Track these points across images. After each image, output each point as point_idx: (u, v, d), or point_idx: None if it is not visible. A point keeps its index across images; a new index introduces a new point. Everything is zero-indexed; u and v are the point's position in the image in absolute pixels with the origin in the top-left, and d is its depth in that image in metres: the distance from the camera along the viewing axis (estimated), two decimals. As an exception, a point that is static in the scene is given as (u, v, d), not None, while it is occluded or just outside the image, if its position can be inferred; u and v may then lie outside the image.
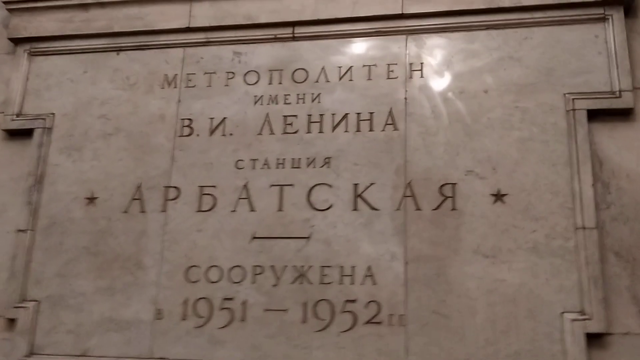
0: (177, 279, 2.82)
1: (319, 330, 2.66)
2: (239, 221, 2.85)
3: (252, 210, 2.86)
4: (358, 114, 2.90)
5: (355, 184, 2.81)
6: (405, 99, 2.88)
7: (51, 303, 2.88)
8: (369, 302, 2.65)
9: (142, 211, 2.94)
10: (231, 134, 2.98)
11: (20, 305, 2.89)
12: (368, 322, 2.63)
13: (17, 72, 3.26)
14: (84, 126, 3.13)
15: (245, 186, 2.90)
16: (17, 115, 3.19)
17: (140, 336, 2.77)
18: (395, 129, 2.85)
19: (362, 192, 2.79)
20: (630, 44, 2.80)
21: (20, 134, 3.18)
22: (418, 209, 2.73)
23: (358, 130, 2.88)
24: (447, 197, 2.72)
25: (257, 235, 2.82)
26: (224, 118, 3.01)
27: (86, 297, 2.86)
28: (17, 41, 3.32)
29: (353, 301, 2.66)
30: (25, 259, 2.95)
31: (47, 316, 2.87)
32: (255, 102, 3.01)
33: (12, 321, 2.89)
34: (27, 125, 3.17)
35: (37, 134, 3.14)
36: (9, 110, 3.20)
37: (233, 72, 3.08)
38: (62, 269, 2.92)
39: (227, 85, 3.07)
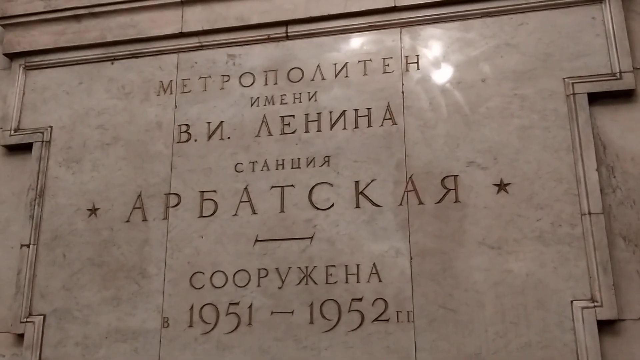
0: (182, 286, 2.80)
1: (327, 331, 2.63)
2: (241, 225, 2.83)
3: (254, 213, 2.84)
4: (355, 110, 2.87)
5: (356, 181, 2.78)
6: (403, 92, 2.85)
7: (58, 316, 2.88)
8: (376, 299, 2.62)
9: (144, 220, 2.93)
10: (229, 138, 2.96)
11: (27, 320, 2.88)
12: (375, 320, 2.60)
13: (13, 87, 3.27)
14: (82, 137, 3.12)
15: (245, 189, 2.88)
16: (16, 130, 3.19)
17: (148, 345, 2.76)
18: (394, 123, 2.81)
19: (364, 189, 2.76)
20: (629, 24, 2.74)
21: (20, 149, 3.19)
22: (421, 203, 2.69)
23: (356, 127, 2.85)
24: (449, 190, 2.68)
25: (260, 238, 2.80)
26: (221, 122, 2.99)
27: (92, 308, 2.86)
28: (11, 56, 3.32)
29: (359, 299, 2.63)
30: (30, 274, 2.95)
31: (54, 330, 2.86)
32: (252, 104, 2.99)
33: (20, 336, 2.89)
34: (25, 139, 3.17)
35: (36, 147, 3.13)
36: (7, 125, 3.21)
37: (228, 75, 3.06)
38: (66, 281, 2.92)
39: (222, 89, 3.05)
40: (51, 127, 3.16)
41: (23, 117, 3.22)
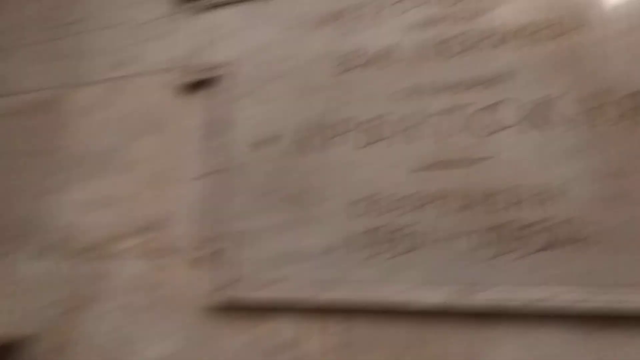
0: (347, 213, 2.81)
1: (491, 259, 2.50)
2: (403, 152, 2.77)
3: (416, 140, 2.76)
4: (528, 24, 2.66)
5: (531, 101, 2.59)
6: (582, 3, 2.59)
7: (232, 243, 3.01)
8: (548, 226, 2.44)
9: (310, 149, 2.97)
10: (388, 65, 2.89)
11: (201, 249, 3.06)
12: (546, 247, 2.42)
13: (184, 28, 3.46)
14: (251, 73, 3.22)
15: (407, 116, 2.80)
16: (189, 69, 3.37)
17: (323, 265, 2.80)
18: (574, 36, 2.57)
19: (539, 109, 2.57)
20: None
21: (192, 87, 3.35)
22: (603, 121, 2.45)
23: (530, 42, 2.64)
24: (637, 107, 2.41)
25: (421, 165, 2.72)
26: (382, 49, 2.93)
27: (264, 234, 2.95)
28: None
29: (530, 225, 2.47)
30: (203, 206, 3.12)
31: (228, 257, 3.00)
32: (413, 28, 2.89)
33: (195, 264, 3.08)
34: (197, 77, 3.33)
35: (208, 85, 3.29)
36: (181, 64, 3.40)
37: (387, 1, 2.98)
38: (239, 211, 3.04)
39: (380, 15, 2.98)
40: (221, 64, 3.30)
41: (195, 56, 3.39)
